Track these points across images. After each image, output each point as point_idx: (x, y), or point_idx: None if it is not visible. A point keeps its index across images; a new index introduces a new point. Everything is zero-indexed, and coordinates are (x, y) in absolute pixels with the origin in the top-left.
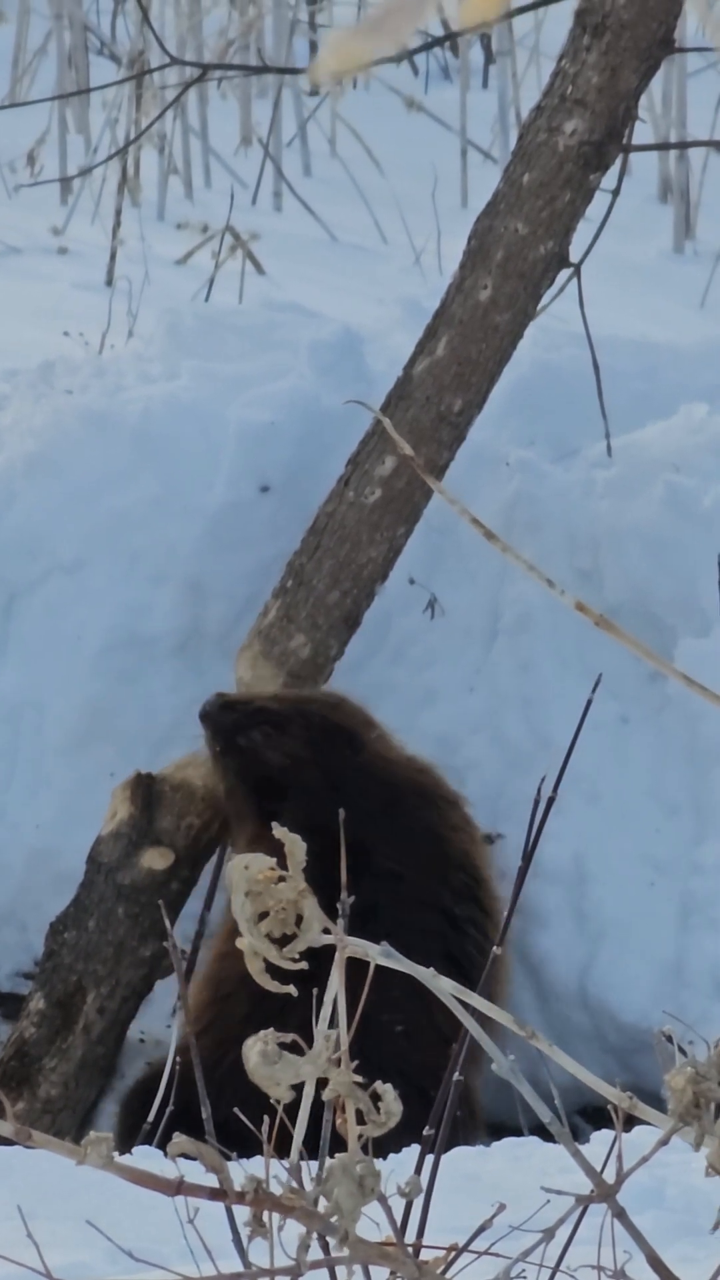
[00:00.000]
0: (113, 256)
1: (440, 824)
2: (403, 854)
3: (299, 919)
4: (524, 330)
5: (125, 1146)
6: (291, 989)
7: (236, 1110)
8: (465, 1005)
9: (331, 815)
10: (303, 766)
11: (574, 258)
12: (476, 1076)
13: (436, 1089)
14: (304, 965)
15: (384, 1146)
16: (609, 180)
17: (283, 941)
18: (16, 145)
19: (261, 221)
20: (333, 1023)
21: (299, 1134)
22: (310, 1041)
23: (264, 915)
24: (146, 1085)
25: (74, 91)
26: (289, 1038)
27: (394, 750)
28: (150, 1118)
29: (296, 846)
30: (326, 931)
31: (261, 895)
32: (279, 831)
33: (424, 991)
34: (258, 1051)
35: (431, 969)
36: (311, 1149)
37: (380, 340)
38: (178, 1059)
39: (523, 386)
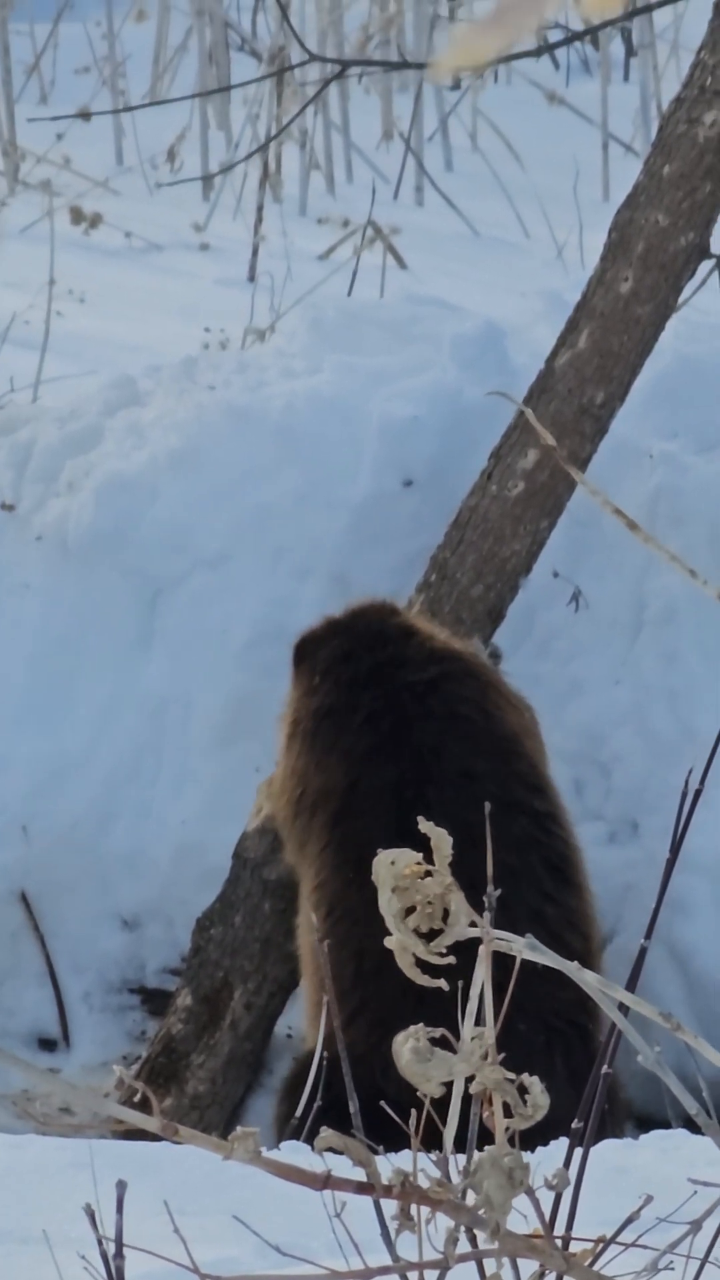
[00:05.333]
0: (254, 252)
1: (485, 700)
2: (467, 743)
3: (445, 913)
4: (665, 322)
5: (283, 1127)
6: (442, 983)
7: (383, 1104)
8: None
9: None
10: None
11: (716, 249)
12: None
13: (588, 1020)
14: (452, 960)
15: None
16: None
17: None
18: (159, 141)
19: (403, 216)
20: (479, 1016)
21: (449, 1128)
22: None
23: (410, 910)
24: (302, 1077)
25: (215, 89)
26: (439, 1032)
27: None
28: (299, 1111)
29: (443, 841)
30: (473, 925)
31: (408, 891)
32: (425, 826)
33: (548, 915)
34: (409, 1048)
35: (576, 963)
36: (460, 1141)
37: (522, 333)
38: (325, 1053)
39: (665, 379)
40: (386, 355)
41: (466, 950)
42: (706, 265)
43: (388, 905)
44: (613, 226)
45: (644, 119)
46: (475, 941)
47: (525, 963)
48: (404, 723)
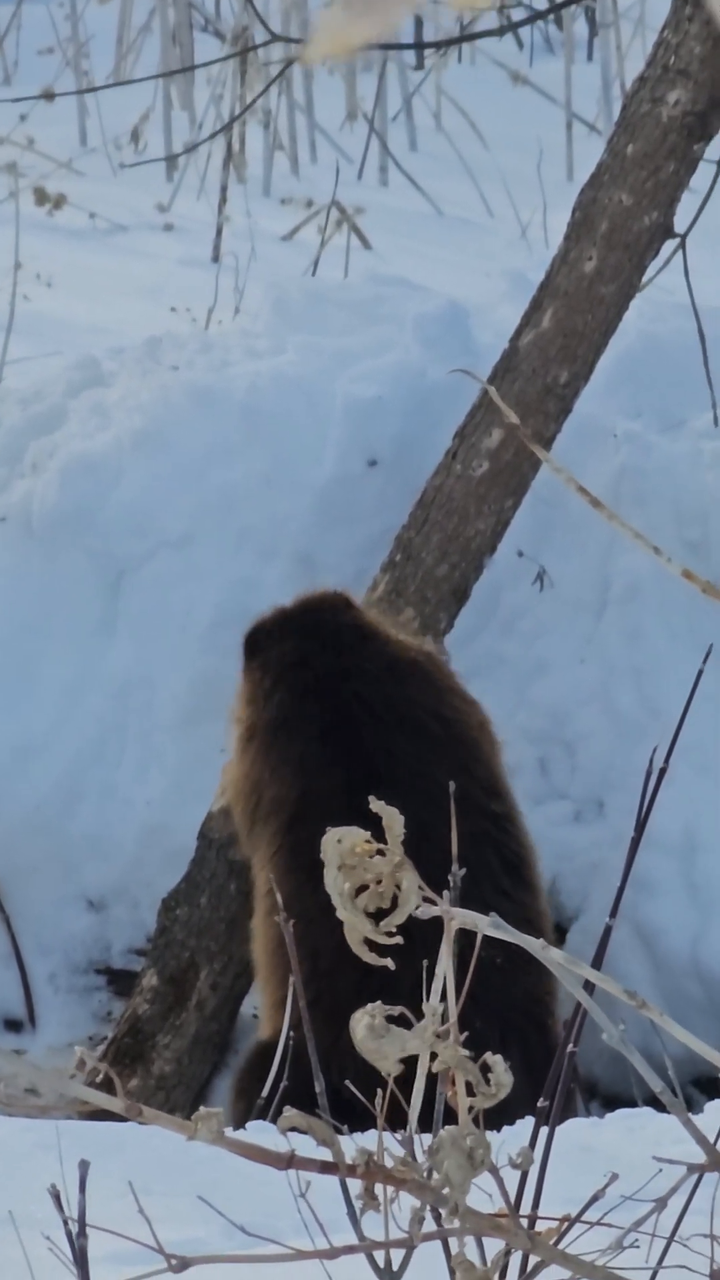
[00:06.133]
0: (219, 232)
1: (442, 706)
2: (420, 745)
3: (396, 892)
4: (629, 301)
5: (240, 1123)
6: (389, 962)
7: (348, 1083)
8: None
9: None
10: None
11: (679, 229)
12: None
13: (545, 1014)
14: (399, 940)
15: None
16: (714, 151)
17: (378, 914)
18: (122, 122)
19: (367, 196)
20: (443, 994)
21: (414, 1107)
22: (421, 1008)
23: (361, 889)
24: (255, 1063)
25: (178, 69)
26: (397, 1010)
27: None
28: (264, 1093)
29: (394, 820)
30: (431, 903)
31: (357, 869)
32: (376, 805)
33: (505, 912)
34: (365, 1025)
35: (542, 940)
36: (428, 1121)
37: (486, 313)
38: (292, 1033)
39: (629, 358)
40: (350, 335)
41: (421, 939)
42: (670, 244)
43: (334, 883)
44: (576, 206)
45: (607, 98)
46: (430, 935)
47: (482, 957)
48: (358, 735)
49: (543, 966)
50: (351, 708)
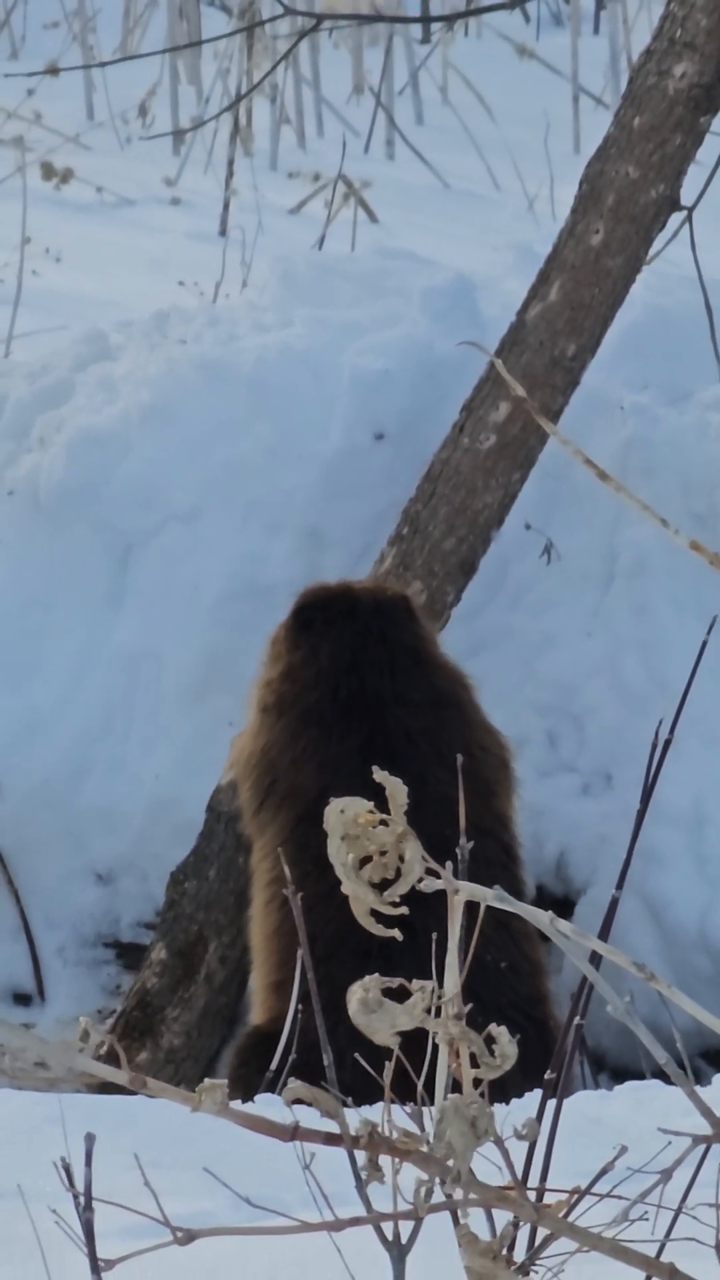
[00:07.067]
0: (226, 206)
1: (473, 743)
2: (450, 773)
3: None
4: (636, 274)
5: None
6: (396, 933)
7: (357, 1056)
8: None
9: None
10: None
11: (686, 202)
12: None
13: (545, 1015)
14: (404, 910)
15: (507, 1087)
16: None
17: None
18: (129, 96)
19: (374, 169)
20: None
21: (421, 1078)
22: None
23: (365, 861)
24: (248, 1050)
25: (186, 44)
26: (395, 983)
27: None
28: (274, 1066)
29: (398, 790)
30: (435, 876)
31: (360, 840)
32: (380, 775)
33: (512, 926)
34: (358, 999)
35: (550, 912)
36: (432, 1092)
37: (493, 286)
38: (300, 1006)
39: (636, 331)
40: (357, 308)
41: (424, 928)
42: (677, 217)
43: (337, 853)
44: (583, 179)
45: (614, 71)
46: (433, 924)
47: (486, 961)
48: (391, 753)
49: (540, 972)
50: (388, 728)
